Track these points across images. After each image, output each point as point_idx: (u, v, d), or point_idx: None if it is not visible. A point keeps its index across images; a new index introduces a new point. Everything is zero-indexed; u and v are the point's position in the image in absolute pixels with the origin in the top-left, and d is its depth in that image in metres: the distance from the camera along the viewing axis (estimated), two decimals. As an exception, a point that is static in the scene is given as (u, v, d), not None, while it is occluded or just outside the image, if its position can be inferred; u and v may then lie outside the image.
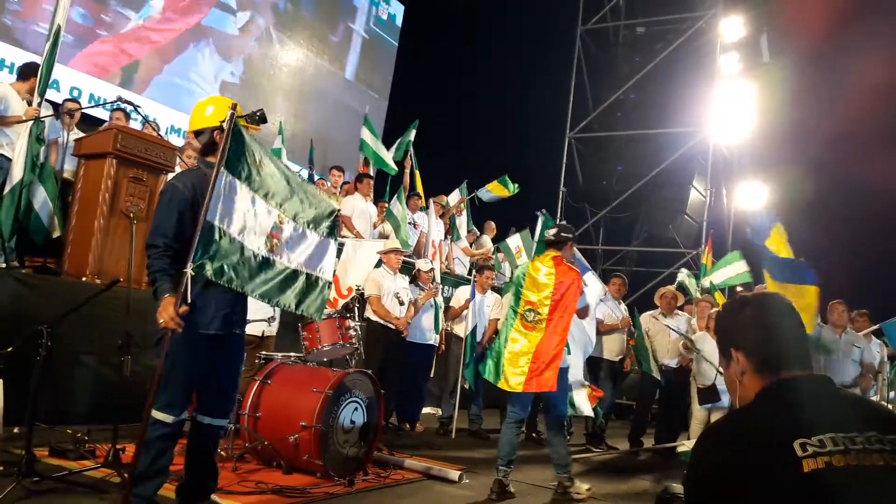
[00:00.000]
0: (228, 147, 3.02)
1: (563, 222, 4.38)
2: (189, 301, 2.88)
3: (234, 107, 3.09)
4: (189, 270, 2.87)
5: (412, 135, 9.86)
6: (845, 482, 1.25)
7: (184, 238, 2.99)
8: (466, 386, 6.76)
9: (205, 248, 2.91)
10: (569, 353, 4.75)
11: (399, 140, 9.94)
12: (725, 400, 6.65)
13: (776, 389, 1.45)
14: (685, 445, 6.54)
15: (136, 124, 6.66)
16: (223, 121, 3.11)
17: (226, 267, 2.96)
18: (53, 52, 5.54)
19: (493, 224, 10.54)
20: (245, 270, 3.05)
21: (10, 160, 5.47)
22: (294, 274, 3.29)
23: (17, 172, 5.29)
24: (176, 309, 2.85)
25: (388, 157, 9.72)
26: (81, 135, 6.01)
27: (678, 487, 2.14)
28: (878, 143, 11.15)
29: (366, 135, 9.73)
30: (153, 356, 3.02)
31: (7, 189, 5.33)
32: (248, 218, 3.09)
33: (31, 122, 5.33)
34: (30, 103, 5.52)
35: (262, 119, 3.19)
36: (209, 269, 2.91)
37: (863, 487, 1.26)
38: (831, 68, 11.83)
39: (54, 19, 5.56)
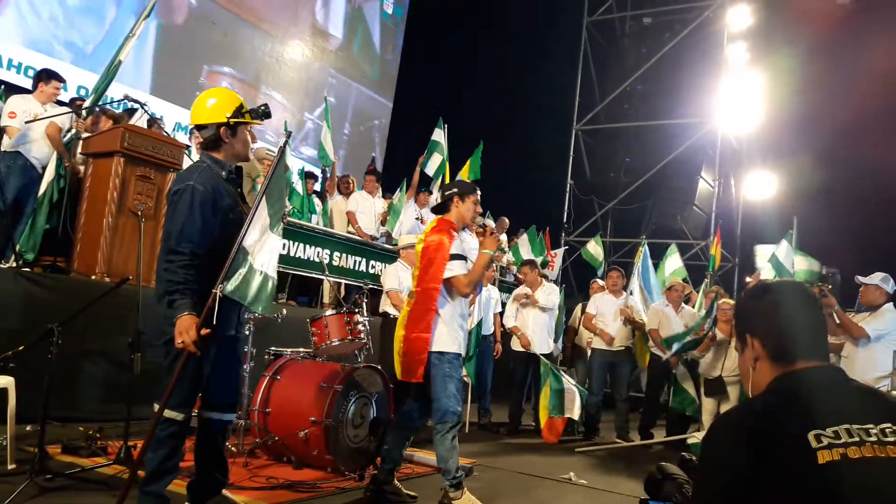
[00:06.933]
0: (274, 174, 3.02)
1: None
2: (214, 322, 2.82)
3: (288, 135, 3.16)
4: (218, 291, 2.81)
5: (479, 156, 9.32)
6: (861, 474, 1.24)
7: (206, 245, 2.90)
8: (467, 379, 6.73)
9: (235, 272, 2.87)
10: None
11: (470, 160, 9.32)
12: (732, 393, 6.65)
13: (790, 379, 1.43)
14: (695, 437, 6.53)
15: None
16: (230, 115, 3.09)
17: (242, 286, 2.92)
18: (108, 81, 5.72)
19: (506, 220, 10.45)
20: (250, 284, 3.00)
21: (33, 166, 5.71)
22: (258, 274, 3.14)
23: (48, 176, 5.47)
24: (198, 331, 2.79)
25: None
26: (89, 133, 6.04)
27: (672, 468, 2.11)
28: (889, 130, 11.04)
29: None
30: (160, 355, 3.00)
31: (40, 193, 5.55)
32: (262, 238, 3.04)
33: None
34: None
35: (266, 114, 3.14)
36: (231, 289, 2.87)
37: (878, 480, 1.25)
38: (841, 55, 11.72)
39: (118, 54, 5.72)
